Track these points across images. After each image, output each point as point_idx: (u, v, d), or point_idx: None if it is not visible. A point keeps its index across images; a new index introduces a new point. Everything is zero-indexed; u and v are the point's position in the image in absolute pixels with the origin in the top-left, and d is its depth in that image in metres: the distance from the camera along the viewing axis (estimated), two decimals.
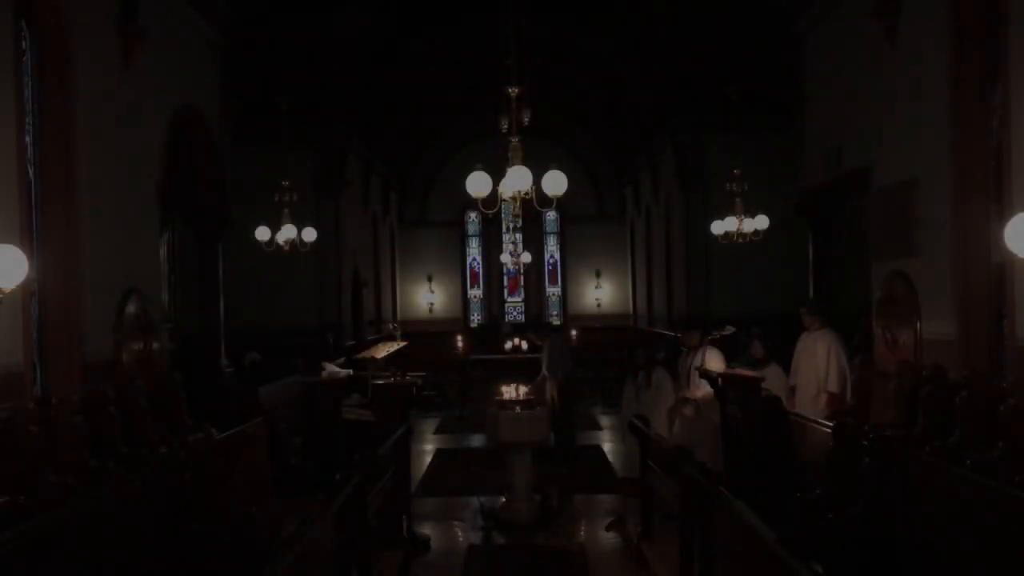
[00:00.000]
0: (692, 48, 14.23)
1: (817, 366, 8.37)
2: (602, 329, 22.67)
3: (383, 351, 10.33)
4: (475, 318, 24.97)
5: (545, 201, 7.46)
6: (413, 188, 24.20)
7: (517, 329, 21.44)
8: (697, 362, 8.50)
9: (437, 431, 14.03)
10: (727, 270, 14.84)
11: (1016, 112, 6.66)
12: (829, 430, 5.73)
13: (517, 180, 7.25)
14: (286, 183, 12.30)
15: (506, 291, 25.05)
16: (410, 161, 23.23)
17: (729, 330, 8.67)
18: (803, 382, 8.43)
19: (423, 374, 9.82)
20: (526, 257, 19.74)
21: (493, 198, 7.55)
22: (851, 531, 4.91)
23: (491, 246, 24.58)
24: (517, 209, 7.52)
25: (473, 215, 24.53)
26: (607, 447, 12.32)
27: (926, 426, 6.54)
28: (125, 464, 6.42)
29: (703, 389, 8.26)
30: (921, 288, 8.22)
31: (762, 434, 6.93)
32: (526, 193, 7.35)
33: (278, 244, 12.48)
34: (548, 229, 24.94)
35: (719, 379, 7.98)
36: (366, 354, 10.47)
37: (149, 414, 7.52)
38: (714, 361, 8.55)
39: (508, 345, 17.88)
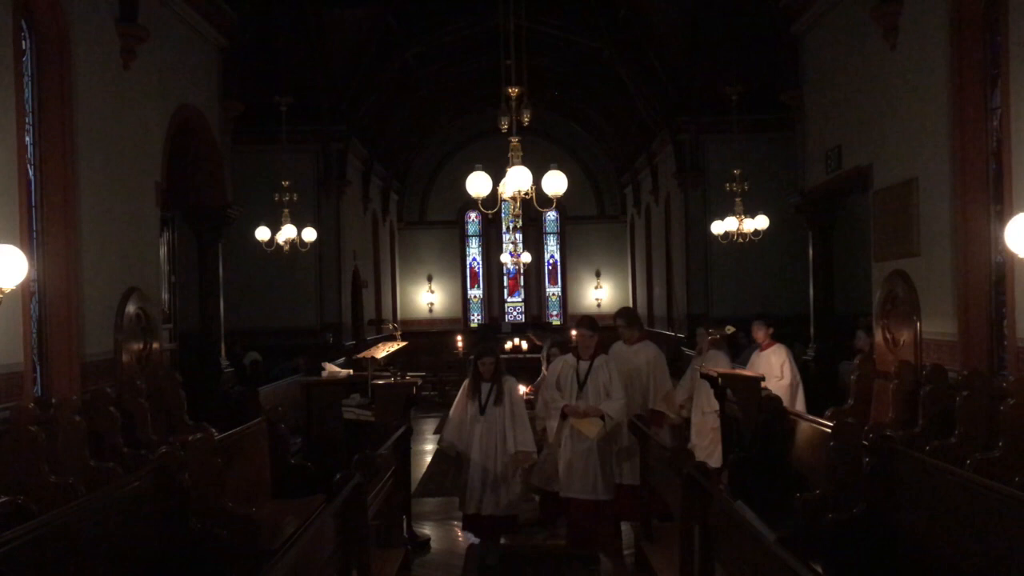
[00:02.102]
0: (692, 48, 14.24)
1: (642, 381, 7.57)
2: (602, 329, 22.65)
3: (383, 351, 10.32)
4: (475, 318, 24.97)
5: (545, 201, 7.47)
6: (413, 188, 24.22)
7: (517, 329, 21.43)
8: (587, 373, 6.93)
9: (437, 431, 14.02)
10: (727, 270, 14.85)
11: (1016, 112, 6.67)
12: (829, 430, 5.72)
13: (517, 180, 7.25)
14: (286, 183, 12.30)
15: (506, 291, 25.06)
16: (410, 161, 23.25)
17: (729, 330, 8.58)
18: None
19: (423, 374, 9.80)
20: (526, 257, 19.74)
21: (493, 198, 7.56)
22: (851, 531, 4.91)
23: (491, 246, 24.59)
24: (517, 209, 7.53)
25: (473, 215, 24.54)
26: None
27: (926, 426, 6.56)
28: (125, 464, 6.43)
29: (614, 403, 6.80)
30: (921, 288, 8.22)
31: (762, 434, 6.93)
32: (526, 193, 7.35)
33: (278, 244, 12.49)
34: (548, 229, 24.95)
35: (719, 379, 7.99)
36: (366, 354, 10.46)
37: (149, 414, 7.54)
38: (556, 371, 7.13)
39: (508, 345, 17.89)
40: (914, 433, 6.53)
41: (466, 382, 6.99)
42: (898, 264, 8.66)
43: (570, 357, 7.07)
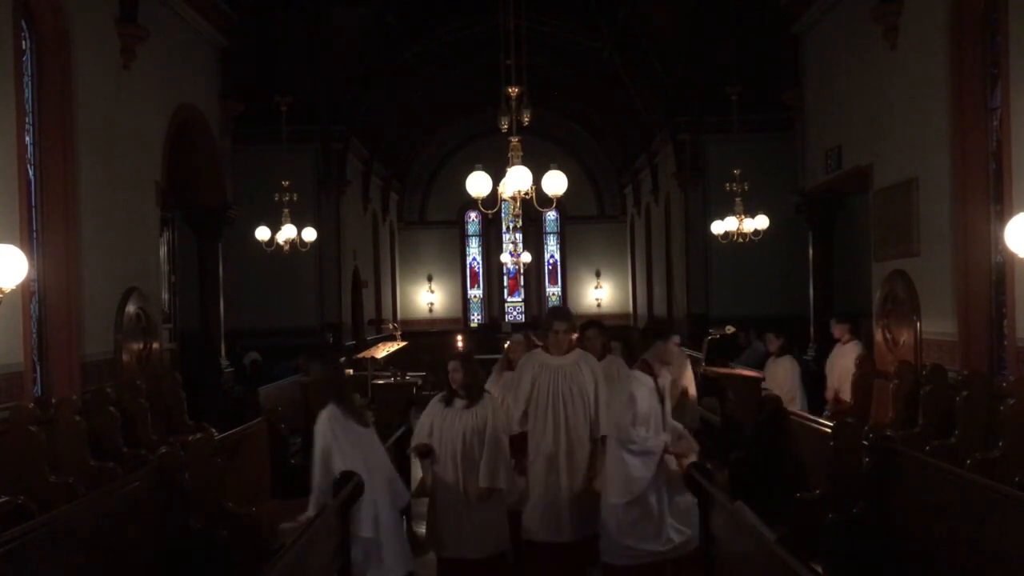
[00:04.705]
0: (692, 48, 14.24)
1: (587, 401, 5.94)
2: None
3: (383, 351, 10.33)
4: (475, 318, 24.97)
5: (545, 201, 7.47)
6: (413, 188, 24.21)
7: (517, 329, 21.37)
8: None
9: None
10: (727, 270, 14.84)
11: (1016, 112, 6.66)
12: (829, 430, 5.72)
13: (517, 180, 7.25)
14: (286, 183, 12.30)
15: (506, 291, 25.05)
16: (410, 161, 23.23)
17: (729, 329, 8.55)
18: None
19: (423, 374, 9.80)
20: (526, 257, 19.73)
21: (493, 198, 7.56)
22: (851, 531, 4.92)
23: (491, 246, 24.58)
24: (517, 209, 7.53)
25: (473, 215, 24.53)
26: None
27: (926, 426, 6.56)
28: (125, 464, 6.44)
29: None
30: (921, 288, 8.22)
31: (762, 434, 6.93)
32: (526, 193, 7.36)
33: (278, 244, 12.48)
34: (548, 229, 24.93)
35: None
36: (366, 354, 10.47)
37: (149, 414, 7.55)
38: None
39: (508, 345, 17.87)
40: (914, 433, 6.54)
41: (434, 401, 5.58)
42: (898, 264, 8.66)
43: (641, 375, 5.12)
